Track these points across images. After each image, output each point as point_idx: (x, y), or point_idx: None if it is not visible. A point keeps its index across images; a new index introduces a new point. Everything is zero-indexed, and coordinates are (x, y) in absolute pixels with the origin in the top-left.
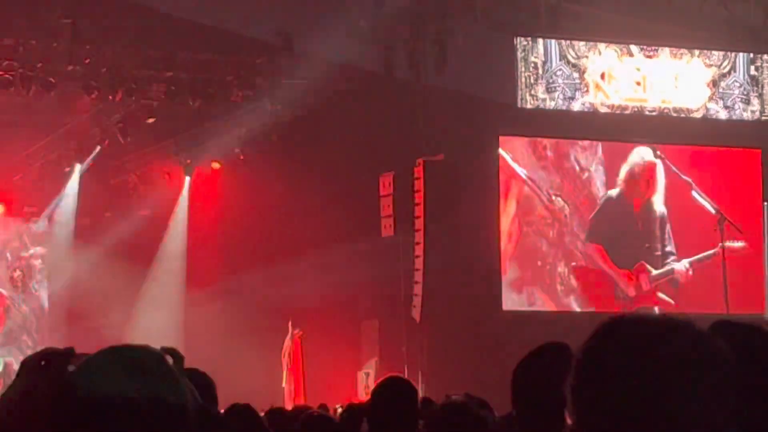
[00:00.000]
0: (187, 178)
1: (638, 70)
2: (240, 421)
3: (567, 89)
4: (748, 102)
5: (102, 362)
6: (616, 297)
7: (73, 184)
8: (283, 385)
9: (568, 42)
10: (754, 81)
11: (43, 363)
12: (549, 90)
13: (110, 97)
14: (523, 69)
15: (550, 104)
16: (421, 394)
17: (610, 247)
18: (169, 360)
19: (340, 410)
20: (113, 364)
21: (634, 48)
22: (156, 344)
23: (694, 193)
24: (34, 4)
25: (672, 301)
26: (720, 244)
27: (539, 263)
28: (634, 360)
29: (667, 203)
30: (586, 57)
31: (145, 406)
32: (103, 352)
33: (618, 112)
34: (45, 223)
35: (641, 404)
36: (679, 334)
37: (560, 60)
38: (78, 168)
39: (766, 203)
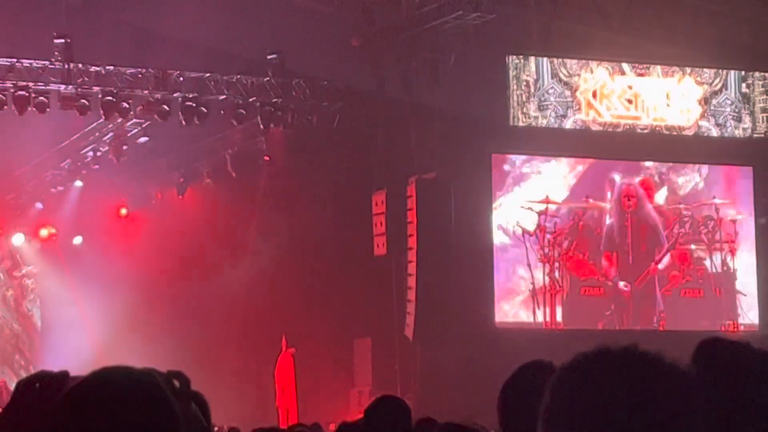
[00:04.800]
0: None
1: (630, 88)
2: None
3: (559, 107)
4: (739, 119)
5: (94, 386)
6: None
7: (69, 204)
8: (276, 403)
9: (560, 60)
10: (746, 98)
11: (37, 386)
12: (541, 108)
13: (103, 117)
14: (515, 87)
15: (542, 122)
16: (413, 412)
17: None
18: (176, 384)
19: (333, 429)
20: (105, 388)
21: (626, 66)
22: (149, 362)
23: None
24: (28, 24)
25: None
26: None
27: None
28: (601, 393)
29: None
30: (578, 75)
31: (140, 428)
32: (95, 375)
33: (610, 129)
34: (38, 242)
35: None
36: (645, 366)
37: (552, 78)
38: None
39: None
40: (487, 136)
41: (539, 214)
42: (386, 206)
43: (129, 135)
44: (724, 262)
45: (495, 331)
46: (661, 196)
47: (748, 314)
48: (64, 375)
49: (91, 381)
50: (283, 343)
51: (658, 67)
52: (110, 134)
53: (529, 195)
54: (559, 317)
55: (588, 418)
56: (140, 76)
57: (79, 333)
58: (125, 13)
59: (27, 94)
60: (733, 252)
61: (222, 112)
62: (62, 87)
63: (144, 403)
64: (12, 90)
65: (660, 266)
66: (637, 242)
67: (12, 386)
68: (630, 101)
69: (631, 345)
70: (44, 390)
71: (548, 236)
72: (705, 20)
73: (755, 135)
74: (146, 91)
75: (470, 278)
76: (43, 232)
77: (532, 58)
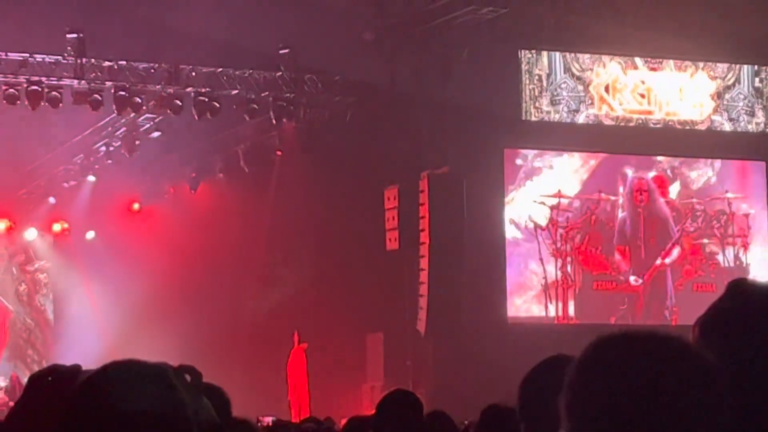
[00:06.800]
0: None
1: (643, 82)
2: None
3: (571, 102)
4: (752, 114)
5: (104, 379)
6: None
7: (81, 199)
8: (288, 398)
9: (573, 55)
10: (759, 93)
11: (50, 380)
12: (553, 102)
13: (115, 112)
14: (527, 82)
15: (555, 117)
16: (426, 406)
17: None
18: (187, 378)
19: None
20: (116, 382)
21: (638, 60)
22: (162, 356)
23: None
24: (40, 20)
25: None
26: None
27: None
28: (624, 377)
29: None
30: (591, 69)
31: (145, 424)
32: (107, 369)
33: (623, 124)
34: (51, 237)
35: (631, 422)
36: (669, 351)
37: (564, 73)
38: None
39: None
40: (500, 130)
41: (551, 208)
42: (398, 201)
43: (141, 130)
44: (736, 257)
45: (507, 325)
46: (673, 191)
47: None
48: (76, 369)
49: (102, 374)
50: (295, 338)
51: (671, 62)
52: (123, 129)
53: (541, 189)
54: (571, 312)
55: (612, 403)
56: (153, 71)
57: (92, 327)
58: (138, 8)
59: (40, 89)
60: (745, 246)
61: (234, 107)
62: (75, 82)
63: (154, 396)
64: (25, 85)
65: (667, 260)
66: (648, 237)
67: (24, 380)
68: (643, 96)
69: (653, 330)
70: (56, 384)
71: (560, 231)
72: (718, 15)
73: None
74: (159, 86)
75: (482, 273)
76: (56, 227)
77: (544, 53)
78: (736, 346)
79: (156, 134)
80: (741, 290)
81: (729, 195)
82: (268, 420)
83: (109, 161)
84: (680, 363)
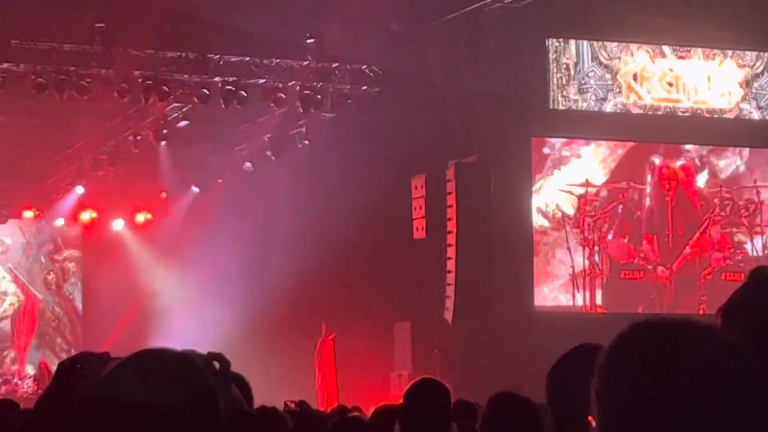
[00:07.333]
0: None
1: (671, 70)
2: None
3: (599, 90)
4: None
5: (133, 367)
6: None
7: (109, 188)
8: (316, 387)
9: (600, 43)
10: None
11: (78, 367)
12: (581, 91)
13: (143, 101)
14: (554, 70)
15: (582, 105)
16: (453, 395)
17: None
18: (216, 365)
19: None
20: (144, 370)
21: (666, 49)
22: (190, 345)
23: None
24: (67, 9)
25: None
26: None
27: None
28: (657, 365)
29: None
30: (618, 58)
31: (174, 411)
32: (135, 357)
33: (650, 113)
34: (79, 226)
35: (664, 410)
36: (702, 339)
37: (592, 61)
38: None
39: None
40: (527, 119)
41: (579, 197)
42: (426, 190)
43: (169, 119)
44: (765, 246)
45: (534, 314)
46: (701, 180)
47: None
48: (105, 357)
49: (131, 362)
50: (323, 329)
51: (699, 50)
52: (150, 118)
53: (568, 178)
54: (598, 301)
55: (645, 389)
56: (180, 60)
57: (120, 315)
58: None
59: (68, 79)
60: None
61: (261, 96)
62: (102, 71)
63: (183, 384)
64: (53, 74)
65: (695, 249)
66: (676, 226)
67: (53, 368)
68: (671, 84)
69: (688, 317)
70: (85, 371)
71: (588, 220)
72: (746, 2)
73: None
74: (186, 75)
75: (509, 262)
76: (84, 216)
77: (572, 41)
78: (758, 333)
79: (183, 123)
80: (762, 278)
81: (758, 183)
82: (294, 403)
83: (137, 150)
84: (715, 350)
